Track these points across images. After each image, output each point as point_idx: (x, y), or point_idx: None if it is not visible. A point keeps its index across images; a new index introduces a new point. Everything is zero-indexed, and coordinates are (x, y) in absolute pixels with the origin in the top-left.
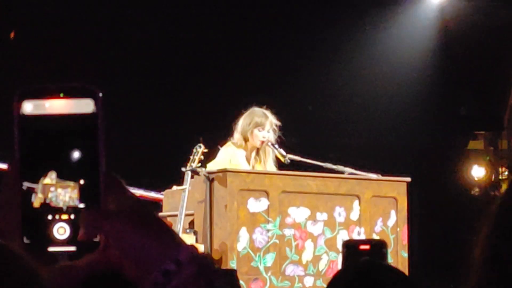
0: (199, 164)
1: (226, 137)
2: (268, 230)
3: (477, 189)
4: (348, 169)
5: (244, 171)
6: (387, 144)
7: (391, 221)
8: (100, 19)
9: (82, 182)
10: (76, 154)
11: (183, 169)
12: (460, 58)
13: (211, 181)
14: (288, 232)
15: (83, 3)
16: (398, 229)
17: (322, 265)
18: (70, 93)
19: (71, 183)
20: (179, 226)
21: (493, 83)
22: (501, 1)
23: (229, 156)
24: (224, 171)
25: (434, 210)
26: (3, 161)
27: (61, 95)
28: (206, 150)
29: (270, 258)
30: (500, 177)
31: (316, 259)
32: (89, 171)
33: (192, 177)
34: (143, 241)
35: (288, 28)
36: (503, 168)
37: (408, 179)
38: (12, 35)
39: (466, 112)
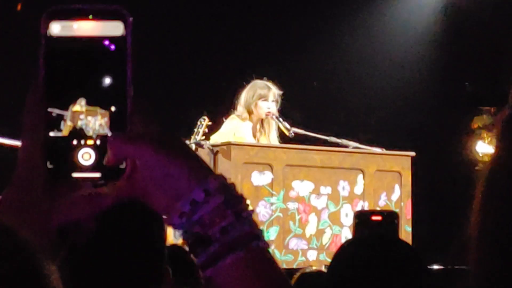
0: (203, 137)
1: (229, 110)
2: (271, 204)
3: (481, 165)
4: (353, 143)
5: (248, 144)
6: (391, 119)
7: (395, 196)
8: None
9: (112, 109)
10: (106, 80)
11: (187, 141)
12: (465, 33)
13: (215, 154)
14: (291, 205)
15: None
16: (402, 204)
17: (325, 239)
18: (100, 15)
19: (102, 111)
20: None
21: (498, 59)
22: None
23: (234, 128)
24: (228, 144)
25: (439, 185)
26: (14, 138)
27: (90, 16)
28: (210, 123)
29: (273, 232)
30: None
31: (320, 233)
32: (119, 98)
33: (196, 149)
34: (170, 168)
35: (294, 2)
36: None
37: (413, 153)
38: (19, 6)
39: (472, 88)
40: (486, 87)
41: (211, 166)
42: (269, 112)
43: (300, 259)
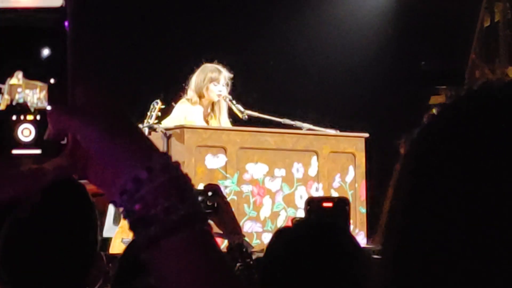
0: (156, 121)
1: (180, 94)
2: (226, 187)
3: None
4: (306, 125)
5: (201, 127)
6: (346, 100)
7: (349, 177)
8: None
9: (51, 81)
10: (44, 52)
11: (140, 125)
12: (420, 13)
13: (168, 137)
14: (246, 188)
15: None
16: (356, 185)
17: (280, 221)
18: None
19: (40, 83)
20: None
21: (453, 39)
22: None
23: (184, 112)
24: (181, 127)
25: (393, 164)
26: None
27: None
28: (163, 106)
29: None
30: None
31: (274, 215)
32: (58, 71)
33: (149, 133)
34: (112, 143)
35: None
36: None
37: (366, 134)
38: None
39: (427, 67)
40: (442, 66)
41: (164, 149)
42: (220, 94)
43: (255, 242)
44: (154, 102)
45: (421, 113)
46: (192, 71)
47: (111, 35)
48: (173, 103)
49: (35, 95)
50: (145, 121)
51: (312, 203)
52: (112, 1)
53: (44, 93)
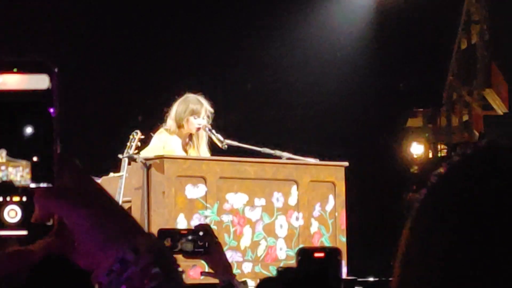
0: (136, 151)
1: (158, 124)
2: (206, 217)
3: (416, 167)
4: (286, 154)
5: (181, 157)
6: (325, 126)
7: (329, 206)
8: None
9: (34, 159)
10: (28, 131)
11: (119, 155)
12: (398, 35)
13: (148, 167)
14: (226, 218)
15: None
16: (337, 214)
17: (260, 251)
18: (25, 68)
19: (23, 162)
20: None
21: (431, 61)
22: None
23: (163, 142)
24: (161, 157)
25: (373, 191)
26: None
27: (15, 70)
28: (143, 137)
29: None
30: (439, 154)
31: (255, 244)
32: (42, 149)
33: (129, 163)
34: (98, 225)
35: (225, 7)
36: (442, 145)
37: (346, 163)
38: None
39: (405, 90)
40: (420, 89)
41: (144, 180)
42: (199, 127)
43: (235, 272)
44: (133, 133)
45: (399, 135)
46: (171, 100)
47: (92, 67)
48: (151, 133)
49: (18, 173)
50: (125, 151)
51: (303, 254)
52: (94, 32)
53: (27, 171)
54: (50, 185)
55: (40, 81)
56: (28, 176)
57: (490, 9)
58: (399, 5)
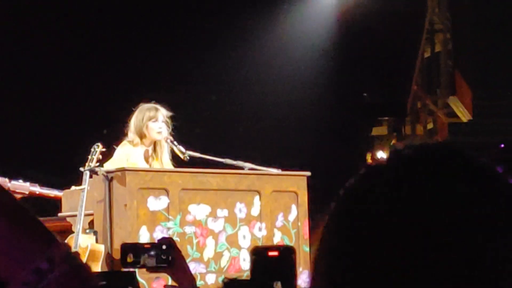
0: (97, 164)
1: (121, 136)
2: (168, 228)
3: None
4: (248, 165)
5: (143, 170)
6: (287, 136)
7: (292, 216)
8: None
9: None
10: None
11: (81, 169)
12: (361, 45)
13: (110, 180)
14: (189, 229)
15: None
16: (299, 224)
17: (223, 262)
18: None
19: None
20: (78, 227)
21: (395, 70)
22: None
23: (126, 155)
24: (123, 170)
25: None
26: None
27: None
28: (104, 149)
29: None
30: None
31: (218, 256)
32: None
33: (90, 176)
34: (11, 234)
35: (188, 20)
36: None
37: (308, 173)
38: None
39: (369, 99)
40: (384, 98)
41: (106, 192)
42: (160, 131)
43: (199, 283)
44: (94, 146)
45: (363, 145)
46: (131, 112)
47: (55, 79)
48: (114, 146)
49: None
50: (87, 164)
51: (258, 252)
52: (60, 44)
53: None
54: None
55: None
56: None
57: (452, 18)
58: (362, 14)
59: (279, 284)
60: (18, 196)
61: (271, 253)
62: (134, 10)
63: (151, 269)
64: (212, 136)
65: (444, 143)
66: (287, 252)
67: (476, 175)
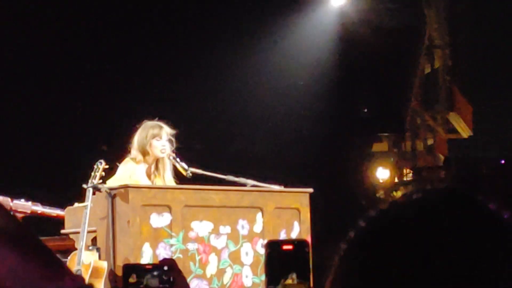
0: (100, 181)
1: (124, 154)
2: (171, 245)
3: (382, 191)
4: (251, 181)
5: (145, 186)
6: (289, 153)
7: (295, 233)
8: None
9: None
10: None
11: (84, 185)
12: (361, 61)
13: (112, 197)
14: (191, 246)
15: None
16: None
17: (226, 279)
18: None
19: None
20: (81, 243)
21: (394, 85)
22: (399, 4)
23: (129, 172)
24: (126, 186)
25: (339, 217)
26: None
27: None
28: (107, 166)
29: None
30: (405, 179)
31: (220, 272)
32: None
33: (93, 193)
34: (26, 266)
35: (191, 35)
36: (407, 170)
37: (311, 190)
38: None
39: (369, 115)
40: (384, 114)
41: (109, 209)
42: (164, 149)
43: None
44: (98, 163)
45: (364, 161)
46: (134, 129)
47: (57, 96)
48: (117, 163)
49: None
50: (89, 181)
51: (272, 246)
52: (61, 60)
53: None
54: None
55: None
56: None
57: (451, 34)
58: (362, 31)
59: (294, 275)
60: (20, 215)
61: (285, 247)
62: (136, 28)
63: None
64: (214, 154)
65: (454, 188)
66: (301, 246)
67: (488, 224)
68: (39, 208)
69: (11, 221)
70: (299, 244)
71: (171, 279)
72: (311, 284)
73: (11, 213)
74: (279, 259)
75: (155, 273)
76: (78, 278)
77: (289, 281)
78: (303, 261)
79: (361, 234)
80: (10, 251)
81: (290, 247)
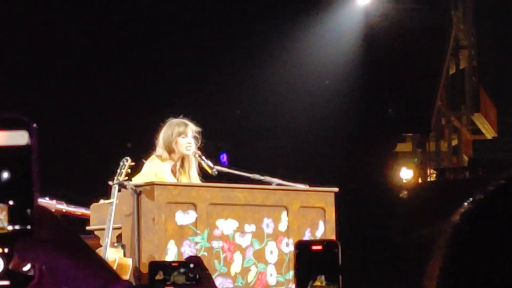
0: (126, 178)
1: (149, 151)
2: (196, 243)
3: (405, 192)
4: (276, 180)
5: (171, 184)
6: (315, 152)
7: (320, 232)
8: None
9: (11, 203)
10: (5, 176)
11: (110, 182)
12: (386, 61)
13: (138, 194)
14: (216, 244)
15: None
16: None
17: (250, 277)
18: (4, 125)
19: (0, 205)
20: (106, 240)
21: (420, 86)
22: (425, 3)
23: (155, 169)
24: (151, 184)
25: (363, 217)
26: None
27: None
28: (133, 164)
29: None
30: (428, 179)
31: (245, 271)
32: (19, 194)
33: (119, 190)
34: (78, 273)
35: (215, 35)
36: (431, 170)
37: (336, 189)
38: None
39: (394, 115)
40: (409, 114)
41: (135, 206)
42: (190, 145)
43: None
44: (123, 159)
45: (387, 161)
46: (160, 126)
47: (82, 94)
48: (143, 160)
49: None
50: (115, 178)
51: (301, 247)
52: (85, 59)
53: (4, 214)
54: (26, 227)
55: (19, 137)
56: (5, 219)
57: (477, 34)
58: (388, 31)
59: (322, 277)
60: None
61: (314, 247)
62: (163, 26)
63: (179, 287)
64: (239, 152)
65: None
66: (331, 246)
67: None
68: (63, 207)
69: (64, 229)
70: (328, 244)
71: (197, 276)
72: (340, 286)
73: (61, 220)
74: (308, 260)
75: (182, 270)
76: (128, 284)
77: (317, 283)
78: (332, 262)
79: (471, 216)
80: (67, 261)
81: (319, 247)
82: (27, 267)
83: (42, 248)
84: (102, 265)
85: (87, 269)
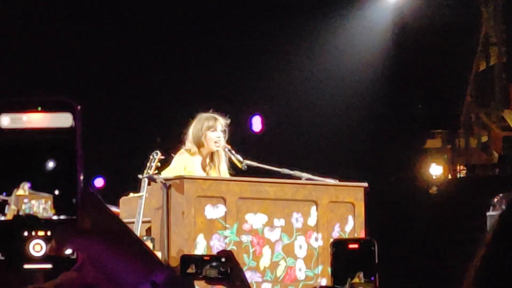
0: (156, 171)
1: (179, 145)
2: (225, 237)
3: (435, 188)
4: (305, 175)
5: (201, 178)
6: (344, 147)
7: (349, 227)
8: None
9: (56, 193)
10: (51, 165)
11: (139, 176)
12: (416, 57)
13: (168, 188)
14: (245, 238)
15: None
16: (356, 235)
17: (280, 271)
18: (49, 107)
19: (46, 195)
20: (136, 233)
21: (449, 82)
22: (454, 1)
23: (184, 163)
24: (181, 178)
25: (393, 212)
26: None
27: (39, 108)
28: (163, 157)
29: None
30: (458, 176)
31: (274, 265)
32: (64, 183)
33: (149, 184)
34: (119, 261)
35: (242, 31)
36: (461, 166)
37: (365, 184)
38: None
39: (424, 111)
40: (439, 110)
41: (164, 200)
42: (219, 140)
43: None
44: (153, 153)
45: (417, 157)
46: (189, 121)
47: (109, 90)
48: (172, 154)
49: (40, 205)
50: (145, 171)
51: (338, 245)
52: (114, 57)
53: (49, 204)
54: (72, 217)
55: (63, 120)
56: (50, 208)
57: (508, 31)
58: (417, 27)
59: (361, 274)
60: None
61: (351, 246)
62: (193, 22)
63: (212, 281)
64: (269, 147)
65: None
66: (367, 244)
67: None
68: None
69: (107, 216)
70: (365, 242)
71: (228, 270)
72: (377, 283)
73: (109, 210)
74: (345, 258)
75: (214, 264)
76: (169, 270)
77: (356, 280)
78: (369, 260)
79: None
80: (106, 248)
81: (356, 245)
82: (69, 251)
83: (83, 236)
84: (144, 254)
85: (126, 261)
